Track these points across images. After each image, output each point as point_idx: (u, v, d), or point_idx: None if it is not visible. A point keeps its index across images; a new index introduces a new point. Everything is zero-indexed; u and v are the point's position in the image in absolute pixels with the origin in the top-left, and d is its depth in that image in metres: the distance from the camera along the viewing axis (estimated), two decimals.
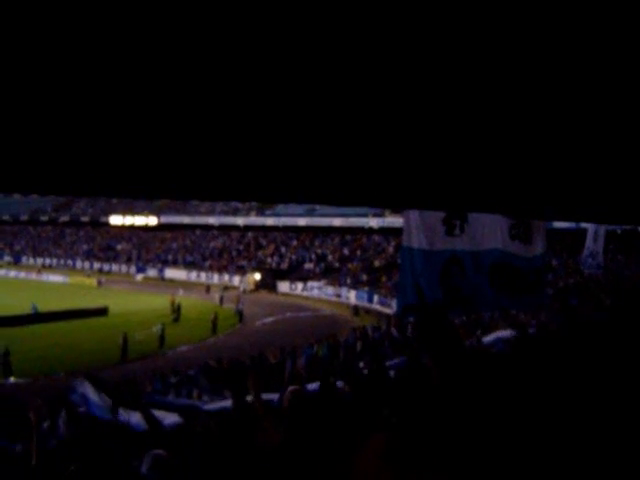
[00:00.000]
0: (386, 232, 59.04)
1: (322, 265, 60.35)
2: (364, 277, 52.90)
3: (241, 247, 71.43)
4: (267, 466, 4.07)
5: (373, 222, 60.81)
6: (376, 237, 61.58)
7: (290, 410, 5.23)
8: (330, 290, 53.71)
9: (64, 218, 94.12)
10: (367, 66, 2.02)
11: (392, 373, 7.79)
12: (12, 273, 73.64)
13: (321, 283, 55.39)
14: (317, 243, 66.19)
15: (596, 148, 3.18)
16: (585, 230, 22.14)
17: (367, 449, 3.34)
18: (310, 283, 56.44)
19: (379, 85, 2.21)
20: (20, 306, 42.35)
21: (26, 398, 13.06)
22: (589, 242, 21.03)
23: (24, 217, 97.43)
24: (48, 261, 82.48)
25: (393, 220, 54.89)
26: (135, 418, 9.49)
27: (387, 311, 41.20)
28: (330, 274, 57.21)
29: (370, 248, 60.97)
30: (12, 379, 25.81)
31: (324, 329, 33.01)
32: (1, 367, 26.36)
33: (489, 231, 8.72)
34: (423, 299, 7.43)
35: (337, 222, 64.08)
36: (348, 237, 64.30)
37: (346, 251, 62.06)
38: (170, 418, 8.93)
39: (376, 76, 2.12)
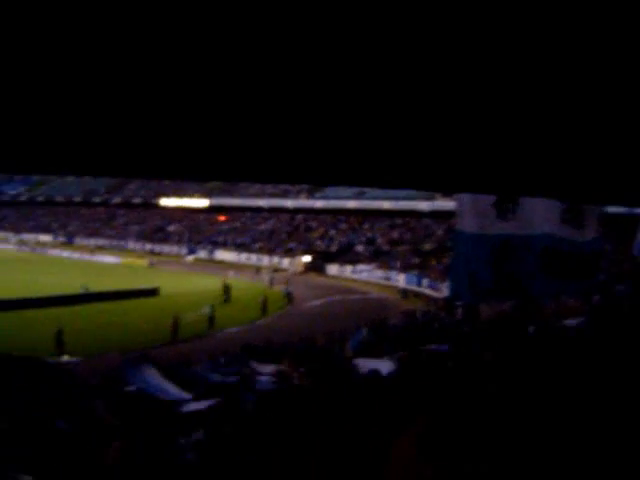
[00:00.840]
0: (436, 215, 58.48)
1: (371, 248, 60.15)
2: (414, 260, 52.60)
3: (290, 229, 71.57)
4: (308, 446, 4.07)
5: (423, 205, 60.31)
6: (426, 220, 61.14)
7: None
8: (379, 273, 53.56)
9: (116, 200, 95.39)
10: (426, 48, 1.99)
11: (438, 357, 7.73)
12: (65, 253, 74.92)
13: (370, 266, 55.20)
14: (366, 226, 66.00)
15: None
16: (639, 216, 21.62)
17: (404, 437, 3.31)
18: (359, 266, 56.31)
19: (434, 69, 2.17)
20: (72, 286, 43.06)
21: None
22: None
23: (77, 198, 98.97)
24: (101, 242, 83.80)
25: (443, 204, 54.42)
26: (189, 399, 9.61)
27: (436, 295, 40.96)
28: (379, 257, 57.01)
29: (420, 231, 60.59)
30: (65, 357, 26.24)
31: (373, 312, 32.90)
32: (55, 345, 26.82)
33: (541, 215, 8.59)
34: (475, 283, 7.36)
35: (387, 205, 63.79)
36: (398, 220, 63.96)
37: (395, 234, 61.78)
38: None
39: (438, 58, 2.08)
